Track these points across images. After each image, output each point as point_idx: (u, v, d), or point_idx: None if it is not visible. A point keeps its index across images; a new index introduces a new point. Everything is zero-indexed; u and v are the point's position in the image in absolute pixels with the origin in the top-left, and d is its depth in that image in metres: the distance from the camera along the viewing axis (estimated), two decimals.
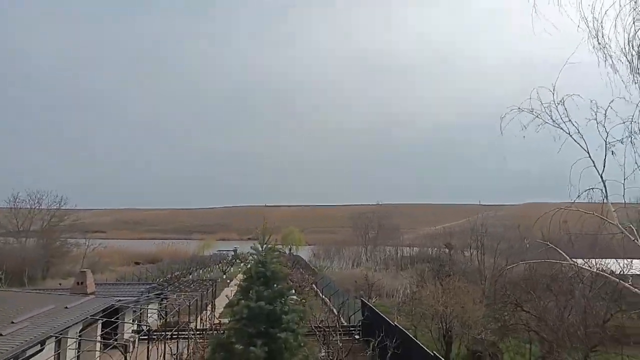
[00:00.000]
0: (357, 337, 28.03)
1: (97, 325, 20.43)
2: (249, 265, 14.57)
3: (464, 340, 24.98)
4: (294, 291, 31.25)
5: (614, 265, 21.61)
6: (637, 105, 5.58)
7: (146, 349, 19.59)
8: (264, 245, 12.08)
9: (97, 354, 19.96)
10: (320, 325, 24.52)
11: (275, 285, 11.84)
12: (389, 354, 20.15)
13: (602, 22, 6.03)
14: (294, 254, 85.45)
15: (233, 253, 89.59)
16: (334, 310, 34.96)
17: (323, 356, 22.18)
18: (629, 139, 5.70)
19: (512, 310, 21.02)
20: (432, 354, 19.00)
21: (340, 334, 24.56)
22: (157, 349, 20.45)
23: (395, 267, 61.50)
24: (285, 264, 63.67)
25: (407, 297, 36.39)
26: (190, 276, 57.14)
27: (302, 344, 11.33)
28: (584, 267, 7.02)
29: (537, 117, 6.03)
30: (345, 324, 30.88)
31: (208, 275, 58.12)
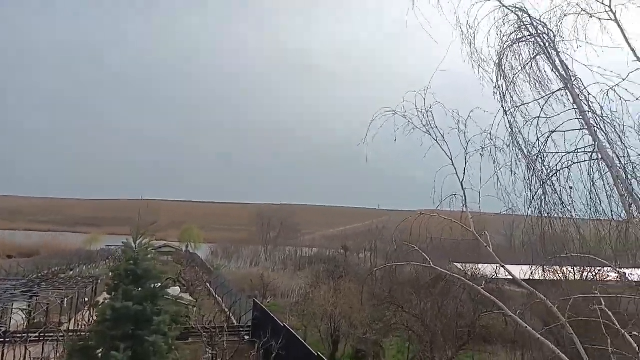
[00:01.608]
0: (246, 337, 27.53)
1: None
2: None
3: (350, 340, 25.68)
4: (177, 290, 29.84)
5: (487, 269, 23.59)
6: (495, 116, 5.88)
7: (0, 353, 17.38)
8: (138, 241, 11.18)
9: None
10: (207, 326, 23.65)
11: (149, 284, 11.01)
12: (274, 355, 20.01)
13: (475, 32, 6.29)
14: (191, 251, 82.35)
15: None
16: (226, 310, 34.11)
17: (207, 358, 21.38)
18: (487, 149, 5.98)
19: (394, 311, 21.97)
20: (316, 354, 19.20)
21: (227, 335, 23.91)
22: (15, 352, 18.21)
23: (294, 267, 61.88)
24: (179, 261, 61.17)
25: (302, 297, 36.66)
26: (72, 272, 52.34)
27: (173, 347, 10.63)
28: (442, 270, 7.37)
29: (409, 121, 6.12)
30: (236, 324, 30.28)
31: (92, 272, 53.68)
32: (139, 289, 10.50)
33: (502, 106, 6.30)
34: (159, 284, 11.44)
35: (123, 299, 10.09)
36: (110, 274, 11.57)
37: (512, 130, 6.09)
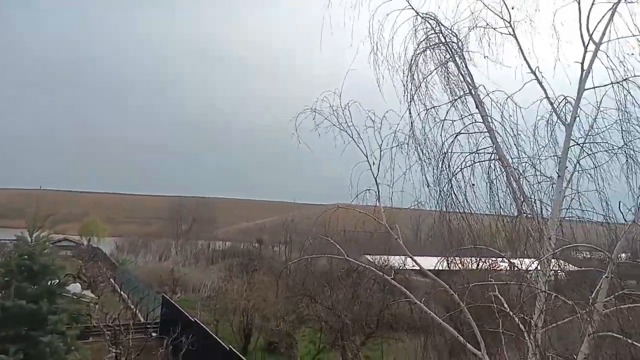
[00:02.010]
0: (153, 334, 26.41)
1: None
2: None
3: (262, 333, 25.70)
4: (79, 286, 27.86)
5: (396, 260, 24.80)
6: (402, 117, 6.24)
7: None
8: (35, 234, 10.24)
9: None
10: (110, 324, 22.32)
11: (45, 280, 10.14)
12: (183, 351, 19.46)
13: (392, 38, 6.59)
14: (94, 245, 76.94)
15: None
16: (132, 306, 32.43)
17: (110, 357, 20.19)
18: (400, 147, 6.34)
19: (307, 303, 22.36)
20: (228, 347, 18.98)
21: (133, 332, 22.78)
22: None
23: (206, 261, 60.39)
24: (80, 256, 56.89)
25: (213, 291, 35.94)
26: None
27: (72, 348, 9.90)
28: (356, 262, 7.69)
29: (326, 118, 6.29)
30: (143, 320, 28.94)
31: None
32: (34, 286, 9.63)
33: (409, 109, 6.69)
34: (57, 281, 10.58)
35: (15, 296, 9.19)
36: (0, 269, 10.45)
37: (422, 131, 6.51)
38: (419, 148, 6.49)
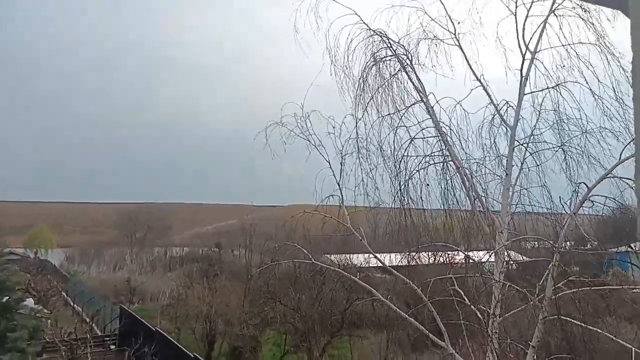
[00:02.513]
0: (112, 347, 25.65)
1: None
2: None
3: (226, 338, 25.50)
4: (32, 301, 26.59)
5: (357, 259, 25.29)
6: (357, 125, 6.56)
7: None
8: None
9: None
10: (66, 339, 21.52)
11: (2, 297, 9.76)
12: None
13: (347, 51, 6.90)
14: (41, 257, 73.17)
15: None
16: (87, 320, 31.25)
17: None
18: (357, 152, 6.66)
19: (272, 305, 22.43)
20: (192, 355, 18.79)
21: (92, 346, 22.06)
22: None
23: (163, 268, 58.89)
24: (28, 270, 53.95)
25: (173, 299, 35.21)
26: None
27: None
28: (323, 265, 7.92)
29: (291, 131, 6.53)
30: (100, 334, 27.99)
31: None
32: None
33: (354, 116, 7.03)
34: (13, 297, 10.19)
35: None
36: None
37: (379, 136, 6.87)
38: (376, 153, 6.82)
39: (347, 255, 25.08)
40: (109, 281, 47.88)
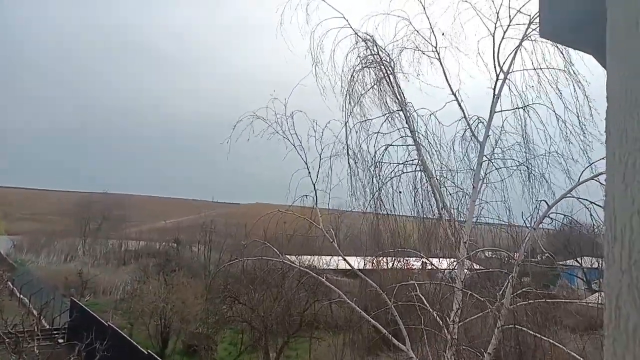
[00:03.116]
0: (60, 341, 24.71)
1: None
2: None
3: (181, 336, 25.09)
4: None
5: (317, 261, 25.47)
6: (342, 127, 6.71)
7: None
8: None
9: None
10: (12, 331, 20.56)
11: None
12: (98, 357, 18.49)
13: (332, 54, 7.04)
14: None
15: None
16: (35, 312, 29.95)
17: None
18: (338, 156, 6.79)
19: (230, 304, 22.25)
20: (147, 352, 18.40)
21: (39, 339, 21.16)
22: None
23: (117, 262, 57.19)
24: None
25: (127, 294, 34.31)
26: None
27: None
28: (293, 264, 8.00)
29: (269, 126, 6.57)
30: (48, 327, 26.89)
31: None
32: None
33: (346, 121, 7.20)
34: None
35: None
36: None
37: (357, 142, 7.04)
38: (354, 157, 6.98)
39: (308, 257, 25.23)
40: (59, 272, 46.06)
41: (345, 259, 7.24)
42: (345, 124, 7.06)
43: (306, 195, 6.81)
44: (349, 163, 7.19)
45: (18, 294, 36.60)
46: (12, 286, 38.94)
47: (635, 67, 0.80)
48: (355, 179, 7.08)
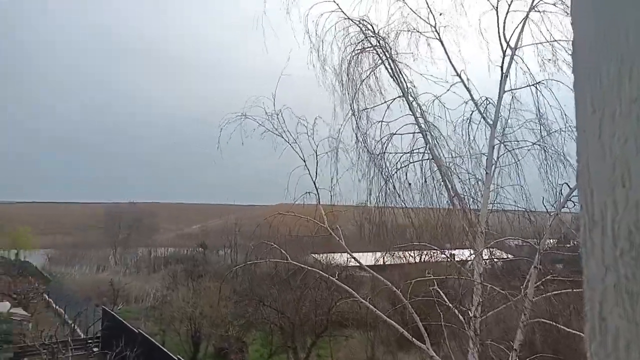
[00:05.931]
0: (95, 349, 25.19)
1: None
2: None
3: (211, 339, 25.22)
4: (7, 305, 26.00)
5: (342, 258, 25.18)
6: (343, 123, 6.39)
7: None
8: None
9: None
10: (47, 342, 21.06)
11: None
12: None
13: (322, 41, 6.71)
14: (22, 259, 71.76)
15: None
16: (69, 322, 30.69)
17: None
18: (335, 150, 6.48)
19: (255, 306, 22.21)
20: (177, 357, 18.50)
21: (72, 349, 21.62)
22: None
23: (147, 269, 58.18)
24: (7, 272, 52.93)
25: (158, 300, 34.80)
26: None
27: None
28: (300, 265, 7.76)
29: (260, 125, 6.32)
30: (83, 336, 27.50)
31: None
32: None
33: (352, 110, 6.87)
34: None
35: None
36: None
37: (358, 132, 6.70)
38: (357, 149, 6.67)
39: (332, 255, 24.98)
40: (92, 282, 47.10)
41: (352, 256, 6.95)
42: (351, 114, 6.75)
43: (308, 193, 6.54)
44: (354, 155, 6.88)
45: (54, 306, 37.58)
46: (47, 298, 40.09)
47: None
48: (360, 172, 6.77)
